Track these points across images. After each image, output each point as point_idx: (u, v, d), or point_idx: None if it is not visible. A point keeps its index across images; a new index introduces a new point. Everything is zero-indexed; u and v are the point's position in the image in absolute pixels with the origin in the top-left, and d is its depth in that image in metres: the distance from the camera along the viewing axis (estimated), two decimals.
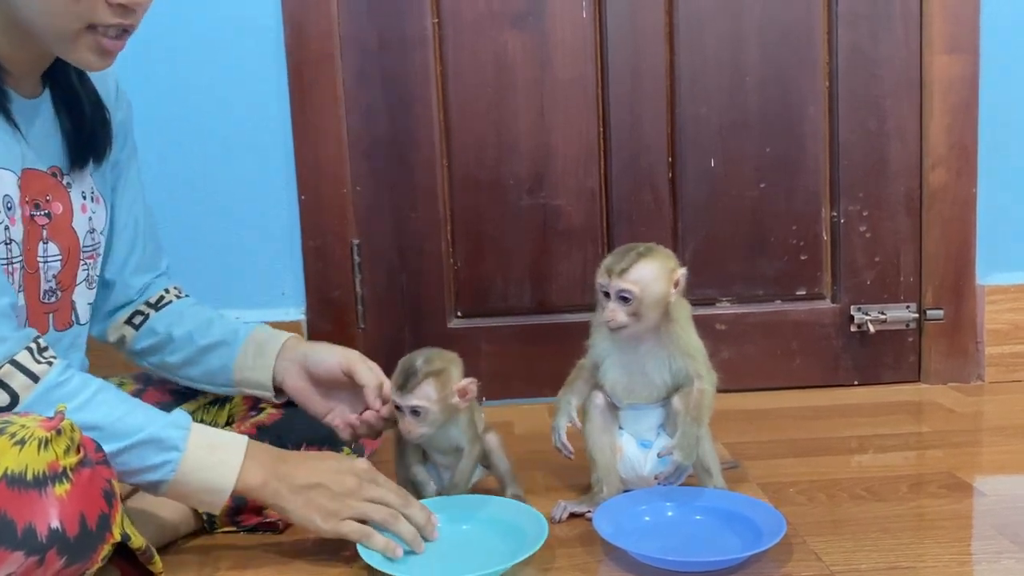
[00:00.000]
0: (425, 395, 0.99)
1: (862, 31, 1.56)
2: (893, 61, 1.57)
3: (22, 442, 0.75)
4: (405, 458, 1.08)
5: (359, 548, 0.93)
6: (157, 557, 0.90)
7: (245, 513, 1.06)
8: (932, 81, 1.56)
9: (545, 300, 1.62)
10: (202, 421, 1.17)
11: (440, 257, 1.60)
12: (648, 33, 1.56)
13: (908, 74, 1.57)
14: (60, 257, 0.98)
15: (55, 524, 0.74)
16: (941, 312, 1.60)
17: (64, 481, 0.76)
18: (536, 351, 1.56)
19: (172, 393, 1.18)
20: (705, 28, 1.56)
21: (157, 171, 1.55)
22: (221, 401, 1.19)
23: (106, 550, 0.80)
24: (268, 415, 1.14)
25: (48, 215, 0.97)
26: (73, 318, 1.03)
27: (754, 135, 1.59)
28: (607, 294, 1.01)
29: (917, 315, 1.62)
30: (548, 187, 1.59)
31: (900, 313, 1.61)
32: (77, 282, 1.02)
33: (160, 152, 1.55)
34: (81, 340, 1.06)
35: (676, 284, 1.02)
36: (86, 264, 1.03)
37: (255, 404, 1.18)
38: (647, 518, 1.02)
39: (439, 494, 1.07)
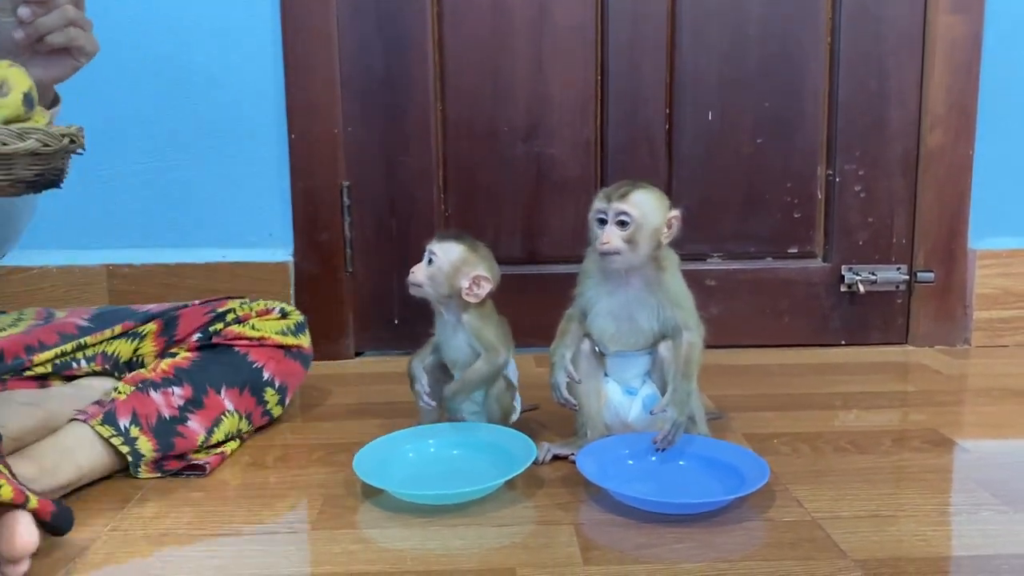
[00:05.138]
0: (445, 250, 1.06)
1: None
2: (897, 19, 1.55)
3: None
4: (414, 356, 1.12)
5: (355, 464, 0.97)
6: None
7: (170, 460, 1.05)
8: (935, 40, 1.54)
9: (536, 251, 1.61)
10: (104, 354, 1.15)
11: (431, 203, 1.58)
12: None
13: (911, 32, 1.55)
14: None
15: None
16: (932, 275, 1.60)
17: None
18: (526, 301, 1.54)
19: (78, 329, 1.16)
20: None
21: (145, 108, 1.52)
22: (129, 335, 1.16)
23: None
24: (185, 358, 1.13)
25: None
26: None
27: (753, 89, 1.56)
28: (602, 221, 1.00)
29: (907, 277, 1.61)
30: (543, 136, 1.57)
31: (891, 274, 1.61)
32: None
33: (147, 88, 1.52)
34: None
35: (670, 225, 1.01)
36: None
37: (165, 348, 1.16)
38: (630, 462, 1.02)
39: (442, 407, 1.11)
